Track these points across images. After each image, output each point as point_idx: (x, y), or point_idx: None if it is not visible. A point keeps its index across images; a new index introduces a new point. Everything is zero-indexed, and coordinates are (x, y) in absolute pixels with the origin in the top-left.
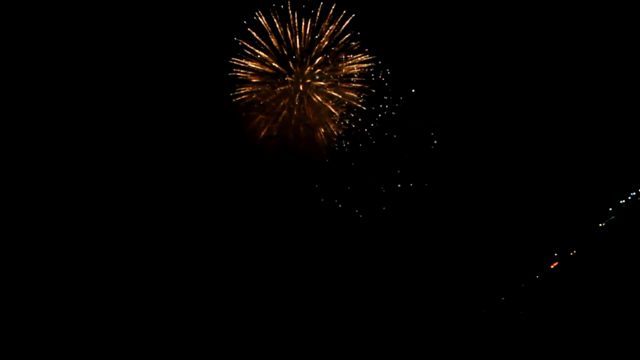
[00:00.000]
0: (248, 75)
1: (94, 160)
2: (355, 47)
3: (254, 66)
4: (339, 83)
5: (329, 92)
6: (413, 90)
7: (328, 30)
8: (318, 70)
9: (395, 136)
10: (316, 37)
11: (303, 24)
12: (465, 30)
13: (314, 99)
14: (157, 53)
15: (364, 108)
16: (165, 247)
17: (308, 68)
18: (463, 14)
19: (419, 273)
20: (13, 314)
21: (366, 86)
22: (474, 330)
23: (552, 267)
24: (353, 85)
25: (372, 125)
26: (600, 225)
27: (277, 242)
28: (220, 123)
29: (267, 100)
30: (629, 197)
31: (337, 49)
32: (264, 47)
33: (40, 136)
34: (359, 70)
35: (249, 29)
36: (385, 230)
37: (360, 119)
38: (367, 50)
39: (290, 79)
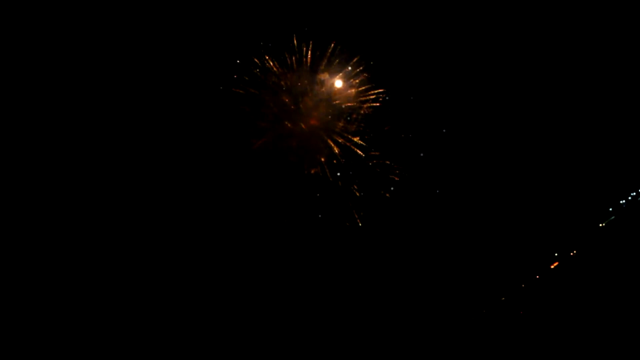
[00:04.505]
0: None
1: (95, 160)
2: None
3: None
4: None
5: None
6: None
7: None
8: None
9: (389, 134)
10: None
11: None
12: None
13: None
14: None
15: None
16: (165, 247)
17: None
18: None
19: (419, 273)
20: (13, 314)
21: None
22: (474, 330)
23: (552, 267)
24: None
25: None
26: (600, 225)
27: (276, 243)
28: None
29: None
30: (629, 197)
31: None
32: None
33: (40, 136)
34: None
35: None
36: (384, 231)
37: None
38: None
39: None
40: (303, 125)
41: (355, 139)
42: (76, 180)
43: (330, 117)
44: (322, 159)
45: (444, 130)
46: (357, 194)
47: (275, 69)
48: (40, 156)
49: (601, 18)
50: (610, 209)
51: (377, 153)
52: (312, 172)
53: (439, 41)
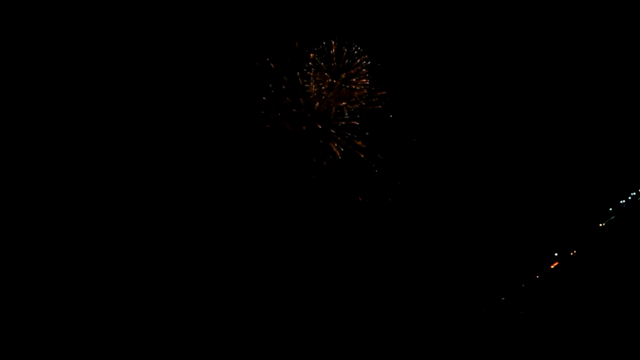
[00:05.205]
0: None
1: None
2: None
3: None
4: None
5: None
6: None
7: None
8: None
9: (389, 135)
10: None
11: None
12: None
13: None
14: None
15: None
16: (165, 247)
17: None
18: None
19: (418, 273)
20: (13, 314)
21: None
22: (474, 330)
23: (552, 267)
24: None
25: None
26: (600, 225)
27: (276, 241)
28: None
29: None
30: (629, 197)
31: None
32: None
33: (40, 136)
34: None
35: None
36: (384, 230)
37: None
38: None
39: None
40: (304, 127)
41: (358, 143)
42: (80, 180)
43: (332, 119)
44: (324, 163)
45: (445, 132)
46: (360, 199)
47: (277, 71)
48: (40, 156)
49: (601, 18)
50: (610, 209)
51: (380, 156)
52: (314, 177)
53: (442, 43)
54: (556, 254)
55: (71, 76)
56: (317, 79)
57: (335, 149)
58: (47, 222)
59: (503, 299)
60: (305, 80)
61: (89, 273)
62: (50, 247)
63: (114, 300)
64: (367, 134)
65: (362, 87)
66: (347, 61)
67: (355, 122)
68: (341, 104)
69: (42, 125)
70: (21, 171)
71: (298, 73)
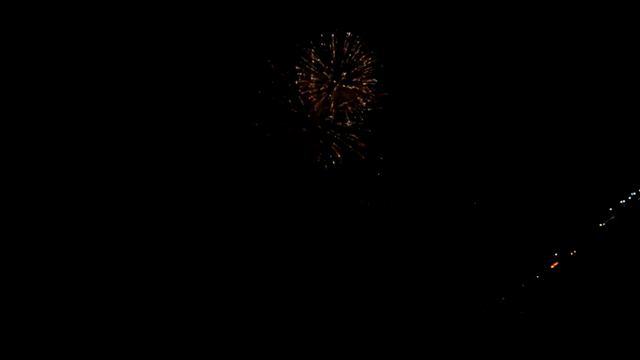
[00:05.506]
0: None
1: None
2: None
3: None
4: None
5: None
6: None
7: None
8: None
9: (389, 133)
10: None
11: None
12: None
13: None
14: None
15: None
16: (166, 247)
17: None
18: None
19: (418, 273)
20: (13, 314)
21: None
22: (474, 330)
23: (552, 267)
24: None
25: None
26: (600, 225)
27: (277, 241)
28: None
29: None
30: (629, 197)
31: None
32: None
33: (40, 136)
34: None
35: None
36: (385, 231)
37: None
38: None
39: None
40: (304, 129)
41: (360, 144)
42: (79, 180)
43: (333, 121)
44: (326, 167)
45: (446, 133)
46: (361, 201)
47: (276, 71)
48: (40, 156)
49: (601, 18)
50: (610, 209)
51: (380, 158)
52: (314, 179)
53: (444, 45)
54: (556, 254)
55: (71, 76)
56: (317, 79)
57: (336, 151)
58: (47, 221)
59: (503, 299)
60: (304, 80)
61: (89, 273)
62: (50, 247)
63: (114, 300)
64: (368, 134)
65: (366, 86)
66: (351, 56)
67: (357, 123)
68: (342, 104)
69: (42, 125)
70: (21, 171)
71: (297, 67)
